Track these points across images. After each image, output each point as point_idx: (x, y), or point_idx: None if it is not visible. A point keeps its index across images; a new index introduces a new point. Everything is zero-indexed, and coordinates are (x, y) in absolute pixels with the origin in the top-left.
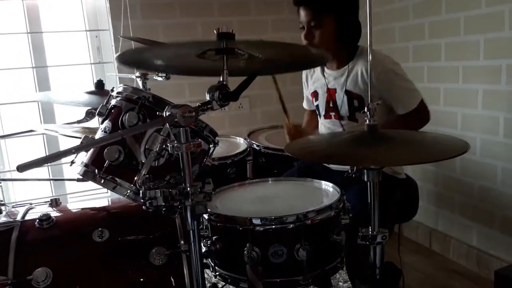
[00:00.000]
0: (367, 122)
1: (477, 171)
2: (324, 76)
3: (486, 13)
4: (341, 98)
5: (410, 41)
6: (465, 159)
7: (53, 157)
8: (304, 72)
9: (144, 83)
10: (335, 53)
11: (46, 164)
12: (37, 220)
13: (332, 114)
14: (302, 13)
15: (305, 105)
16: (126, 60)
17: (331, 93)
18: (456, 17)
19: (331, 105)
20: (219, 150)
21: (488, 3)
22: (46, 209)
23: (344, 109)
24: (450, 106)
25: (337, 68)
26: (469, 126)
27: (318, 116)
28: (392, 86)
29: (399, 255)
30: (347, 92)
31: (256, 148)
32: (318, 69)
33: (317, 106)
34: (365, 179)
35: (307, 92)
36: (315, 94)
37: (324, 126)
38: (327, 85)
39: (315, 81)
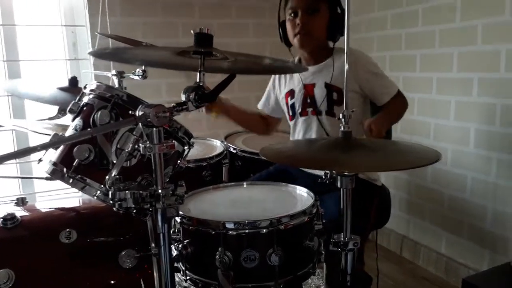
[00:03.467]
0: (342, 129)
1: (447, 180)
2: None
3: (460, 27)
4: (320, 92)
5: (387, 51)
6: (436, 168)
7: (18, 154)
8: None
9: (120, 81)
10: (318, 47)
11: (13, 161)
12: (1, 219)
13: (309, 110)
14: None
15: (260, 105)
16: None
17: (308, 88)
18: (431, 30)
19: (308, 100)
20: (195, 152)
21: (462, 18)
22: (11, 208)
23: (323, 104)
24: (424, 115)
25: (315, 64)
26: (441, 136)
27: (292, 117)
28: (373, 76)
29: (376, 265)
30: (327, 86)
31: (233, 151)
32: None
33: (292, 105)
34: (339, 185)
35: (279, 94)
36: (290, 93)
37: (299, 125)
38: (302, 82)
39: (289, 79)
